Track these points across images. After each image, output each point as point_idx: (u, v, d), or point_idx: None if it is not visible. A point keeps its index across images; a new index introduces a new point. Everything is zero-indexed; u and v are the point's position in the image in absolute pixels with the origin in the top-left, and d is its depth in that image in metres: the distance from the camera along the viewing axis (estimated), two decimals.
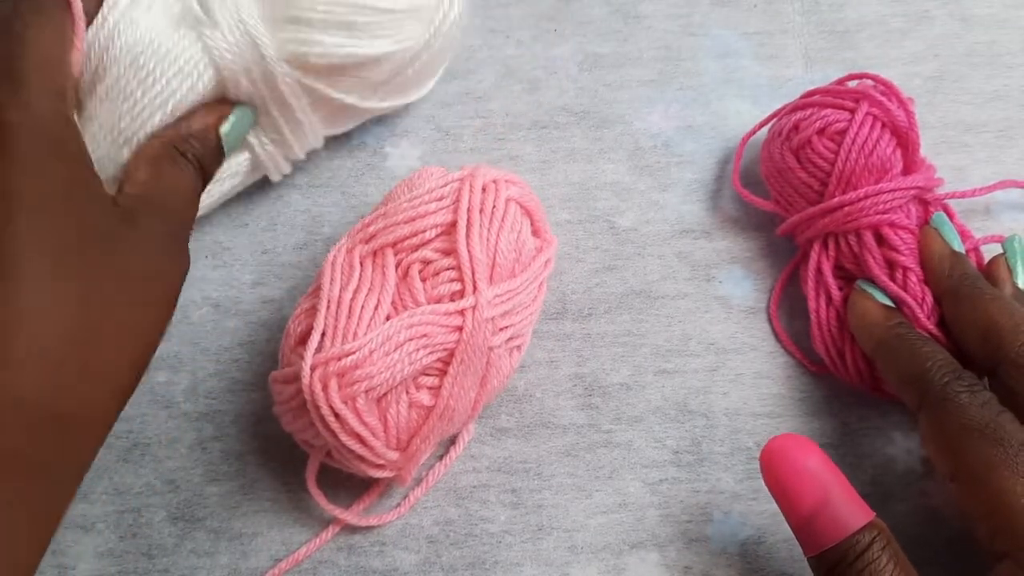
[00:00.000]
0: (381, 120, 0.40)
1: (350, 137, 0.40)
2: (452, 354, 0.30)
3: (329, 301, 0.30)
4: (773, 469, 0.29)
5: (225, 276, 0.38)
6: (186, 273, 0.30)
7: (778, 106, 0.38)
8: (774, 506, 0.34)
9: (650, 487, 0.35)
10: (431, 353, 0.30)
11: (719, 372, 0.36)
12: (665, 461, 0.35)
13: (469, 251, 0.31)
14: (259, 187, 0.39)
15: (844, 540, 0.27)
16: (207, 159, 0.32)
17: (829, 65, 0.41)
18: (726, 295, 0.37)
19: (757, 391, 0.36)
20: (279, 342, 0.36)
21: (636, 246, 0.38)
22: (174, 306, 0.29)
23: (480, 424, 0.36)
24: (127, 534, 0.34)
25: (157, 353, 0.36)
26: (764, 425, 0.35)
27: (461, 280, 0.31)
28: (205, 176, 0.32)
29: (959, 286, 0.32)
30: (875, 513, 0.28)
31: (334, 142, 0.39)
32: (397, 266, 0.31)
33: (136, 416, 0.36)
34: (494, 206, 0.32)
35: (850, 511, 0.27)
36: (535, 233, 0.34)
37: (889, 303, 0.33)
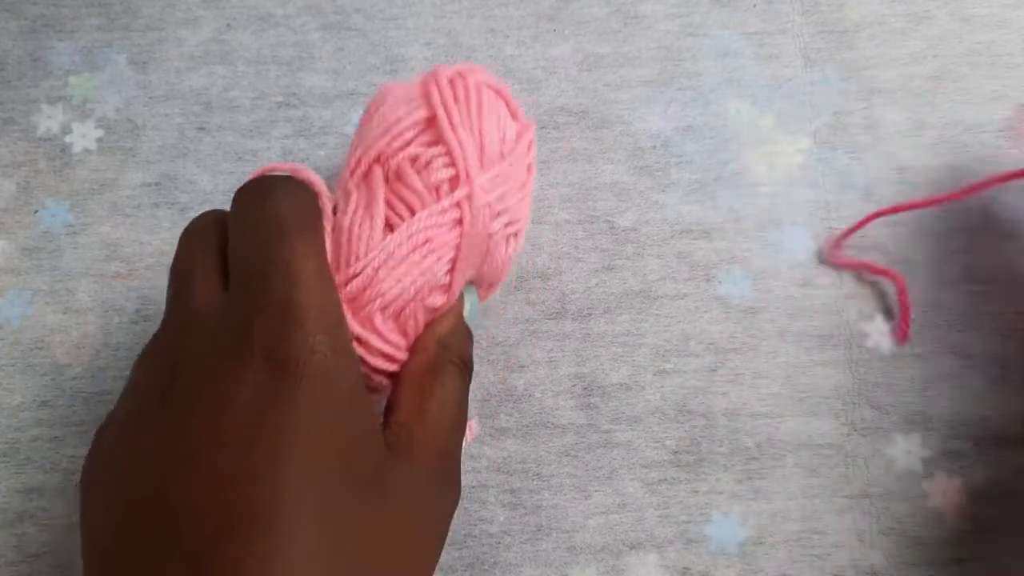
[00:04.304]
0: None
1: (349, 137, 0.40)
2: (458, 249, 0.30)
3: (330, 231, 0.30)
4: None
5: None
6: (455, 507, 0.27)
7: (778, 106, 0.37)
8: (774, 506, 0.34)
9: (649, 487, 0.35)
10: (440, 258, 0.29)
11: (718, 372, 0.36)
12: (664, 461, 0.35)
13: (457, 137, 0.30)
14: None
15: None
16: (467, 351, 0.30)
17: (829, 65, 0.41)
18: (725, 295, 0.37)
19: (757, 391, 0.36)
20: None
21: (635, 246, 0.38)
22: (441, 549, 0.26)
23: (479, 424, 0.36)
24: None
25: None
26: (764, 425, 0.35)
27: (454, 165, 0.30)
28: (470, 369, 0.30)
29: None
30: None
31: (334, 142, 0.40)
32: (386, 175, 0.31)
33: None
34: (466, 93, 0.31)
35: None
36: (512, 116, 0.33)
37: None
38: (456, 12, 0.42)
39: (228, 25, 0.42)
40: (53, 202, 0.39)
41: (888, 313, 0.37)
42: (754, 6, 0.42)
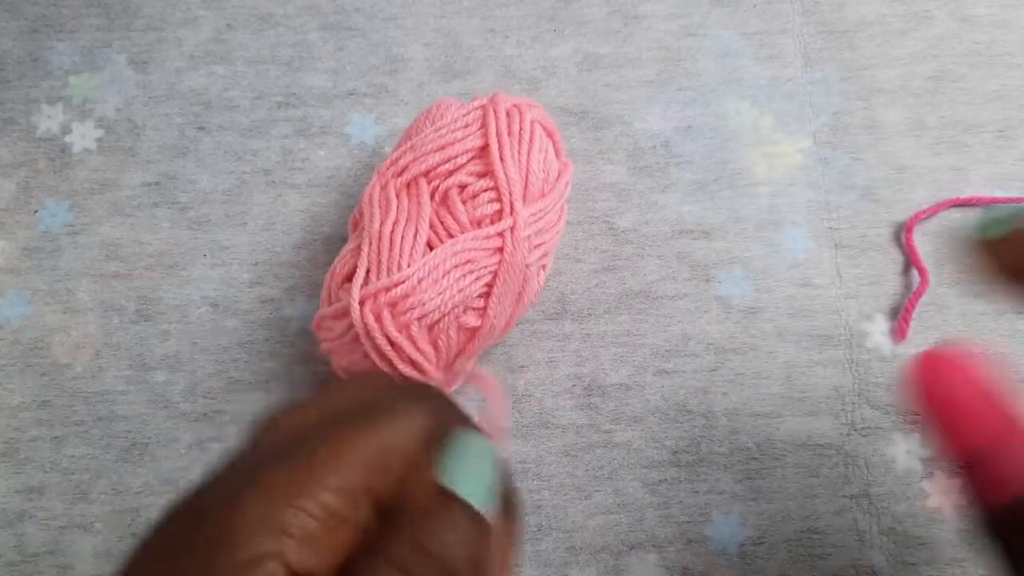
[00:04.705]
0: (380, 120, 0.40)
1: (349, 137, 0.40)
2: (495, 275, 0.31)
3: (371, 237, 0.31)
4: (936, 385, 0.21)
5: (223, 275, 0.38)
6: None
7: (778, 106, 0.37)
8: (774, 506, 0.34)
9: (649, 487, 0.34)
10: (478, 279, 0.31)
11: (718, 372, 0.36)
12: (664, 461, 0.35)
13: (505, 172, 0.32)
14: (258, 186, 0.39)
15: None
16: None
17: (829, 65, 0.41)
18: (725, 295, 0.37)
19: (757, 391, 0.36)
20: (278, 342, 0.36)
21: (635, 247, 0.38)
22: None
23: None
24: (126, 534, 0.34)
25: (156, 353, 0.36)
26: (764, 425, 0.35)
27: (500, 200, 0.32)
28: None
29: None
30: None
31: (334, 142, 0.40)
32: (433, 194, 0.32)
33: (134, 416, 0.36)
34: (520, 128, 0.33)
35: None
36: (556, 155, 0.35)
37: None
38: (456, 12, 0.42)
39: (228, 25, 0.42)
40: (53, 202, 0.39)
41: (888, 313, 0.37)
42: (754, 6, 0.42)
